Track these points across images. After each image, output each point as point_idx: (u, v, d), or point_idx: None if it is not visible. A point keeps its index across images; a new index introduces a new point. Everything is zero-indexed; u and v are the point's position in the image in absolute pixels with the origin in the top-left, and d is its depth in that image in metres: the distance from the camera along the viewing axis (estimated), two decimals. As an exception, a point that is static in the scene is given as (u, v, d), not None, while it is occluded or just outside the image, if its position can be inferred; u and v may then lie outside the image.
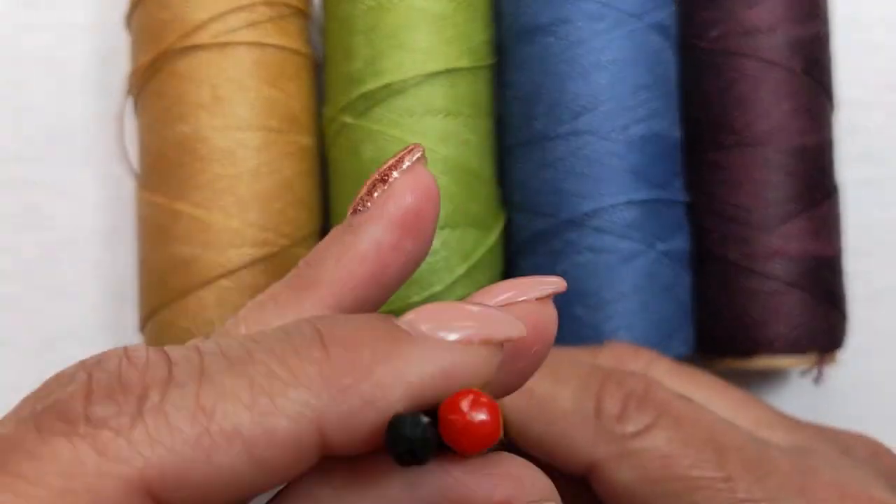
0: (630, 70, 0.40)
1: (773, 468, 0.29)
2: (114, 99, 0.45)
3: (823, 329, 0.41)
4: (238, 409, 0.18)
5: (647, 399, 0.30)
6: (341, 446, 0.19)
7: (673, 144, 0.41)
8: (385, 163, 0.23)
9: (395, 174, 0.23)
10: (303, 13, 0.42)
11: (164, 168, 0.40)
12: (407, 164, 0.23)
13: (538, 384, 0.31)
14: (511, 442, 0.31)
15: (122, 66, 0.44)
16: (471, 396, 0.18)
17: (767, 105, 0.41)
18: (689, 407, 0.31)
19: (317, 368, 0.18)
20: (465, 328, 0.20)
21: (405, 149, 0.24)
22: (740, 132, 0.41)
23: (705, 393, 0.33)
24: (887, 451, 0.33)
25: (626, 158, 0.39)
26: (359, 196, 0.23)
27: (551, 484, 0.20)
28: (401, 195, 0.23)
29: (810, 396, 0.46)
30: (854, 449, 0.32)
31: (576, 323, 0.39)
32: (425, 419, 0.18)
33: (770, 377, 0.46)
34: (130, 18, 0.41)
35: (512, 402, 0.31)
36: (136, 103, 0.42)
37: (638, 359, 0.34)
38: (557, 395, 0.31)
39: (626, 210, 0.39)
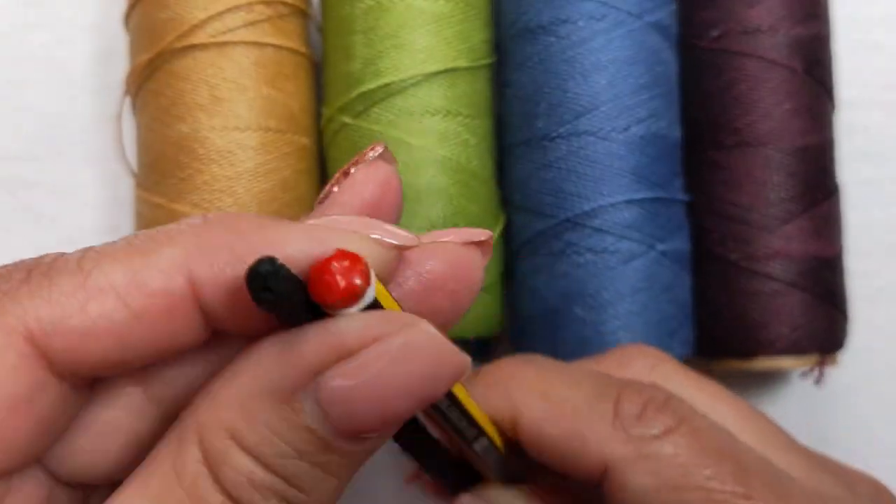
0: (630, 70, 0.39)
1: (791, 494, 0.28)
2: (113, 99, 0.45)
3: (824, 330, 0.41)
4: (114, 266, 0.20)
5: (668, 406, 0.30)
6: (217, 305, 0.20)
7: (673, 144, 0.41)
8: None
9: (354, 169, 0.24)
10: (301, 13, 0.42)
11: (162, 168, 0.40)
12: (369, 158, 0.24)
13: (553, 388, 0.31)
14: (524, 452, 0.31)
15: (121, 65, 0.44)
16: (338, 254, 0.19)
17: (768, 105, 0.41)
18: (708, 421, 0.30)
19: (193, 231, 0.20)
20: (352, 224, 0.21)
21: (370, 146, 0.24)
22: (741, 132, 0.41)
23: (709, 399, 0.32)
24: (890, 495, 0.32)
25: (626, 158, 0.39)
26: (324, 190, 0.24)
27: (427, 328, 0.20)
28: (361, 187, 0.23)
29: (811, 397, 0.46)
30: (858, 487, 0.31)
31: (576, 323, 0.39)
32: (281, 263, 0.18)
33: (770, 378, 0.46)
34: (129, 18, 0.41)
35: (526, 406, 0.30)
36: (134, 103, 0.42)
37: (645, 357, 0.33)
38: (573, 397, 0.30)
39: (625, 210, 0.39)
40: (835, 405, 0.46)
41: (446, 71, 0.40)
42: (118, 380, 0.22)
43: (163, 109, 0.40)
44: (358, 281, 0.19)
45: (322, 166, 0.43)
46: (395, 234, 0.22)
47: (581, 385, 0.31)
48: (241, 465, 0.20)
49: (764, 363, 0.41)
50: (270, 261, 0.18)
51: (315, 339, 0.19)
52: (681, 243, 0.41)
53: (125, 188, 0.45)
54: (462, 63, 0.40)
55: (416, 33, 0.39)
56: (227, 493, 0.20)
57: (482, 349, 0.42)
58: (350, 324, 0.19)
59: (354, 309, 0.19)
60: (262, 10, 0.40)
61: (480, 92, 0.41)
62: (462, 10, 0.40)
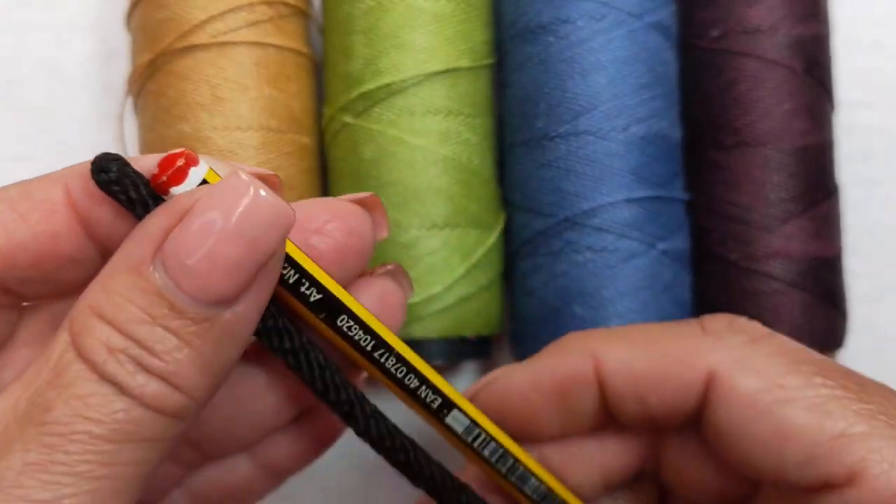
0: (630, 70, 0.40)
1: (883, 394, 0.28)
2: (114, 99, 0.46)
3: (823, 329, 0.41)
4: (8, 188, 0.24)
5: (749, 322, 0.29)
6: (89, 208, 0.23)
7: (673, 144, 0.41)
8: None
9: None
10: (302, 13, 0.42)
11: (163, 168, 0.40)
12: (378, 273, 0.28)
13: (630, 332, 0.30)
14: (614, 404, 0.30)
15: (122, 66, 0.44)
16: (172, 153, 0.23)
17: (768, 105, 0.41)
18: (784, 336, 0.30)
19: (71, 166, 0.25)
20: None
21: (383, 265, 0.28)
22: (741, 132, 0.41)
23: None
24: None
25: (626, 158, 0.39)
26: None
27: (244, 177, 0.22)
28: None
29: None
30: None
31: (576, 321, 0.39)
32: (118, 154, 0.23)
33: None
34: (130, 18, 0.42)
35: (609, 351, 0.29)
36: (135, 103, 0.42)
37: (735, 332, 0.31)
38: (654, 332, 0.30)
39: (625, 209, 0.39)
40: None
41: (447, 71, 0.40)
42: (37, 320, 0.26)
43: (164, 109, 0.40)
44: (181, 161, 0.22)
45: (323, 166, 0.43)
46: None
47: (658, 325, 0.31)
48: (100, 332, 0.21)
49: (764, 362, 0.41)
50: (109, 153, 0.22)
51: (156, 212, 0.22)
52: (681, 243, 0.41)
53: (126, 188, 0.45)
54: (463, 63, 0.40)
55: (417, 33, 0.39)
56: (86, 360, 0.21)
57: (482, 348, 0.42)
58: (181, 194, 0.22)
59: (183, 187, 0.22)
60: (263, 11, 0.40)
61: (481, 92, 0.41)
62: (463, 10, 0.40)
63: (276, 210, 0.22)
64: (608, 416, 0.30)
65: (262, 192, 0.21)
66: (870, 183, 0.47)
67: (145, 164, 0.23)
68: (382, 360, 0.27)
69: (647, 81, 0.40)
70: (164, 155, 0.23)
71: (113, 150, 0.45)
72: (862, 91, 0.48)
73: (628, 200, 0.39)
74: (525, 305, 0.41)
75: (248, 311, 0.23)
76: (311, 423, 0.29)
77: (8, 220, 0.23)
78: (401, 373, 0.27)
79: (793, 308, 0.40)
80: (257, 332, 0.25)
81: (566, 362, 0.30)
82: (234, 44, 0.40)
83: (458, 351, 0.40)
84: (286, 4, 0.41)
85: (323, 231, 0.26)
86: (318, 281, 0.25)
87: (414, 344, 0.39)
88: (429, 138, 0.40)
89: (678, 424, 0.30)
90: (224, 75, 0.39)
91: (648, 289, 0.39)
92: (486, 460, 0.29)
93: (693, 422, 0.29)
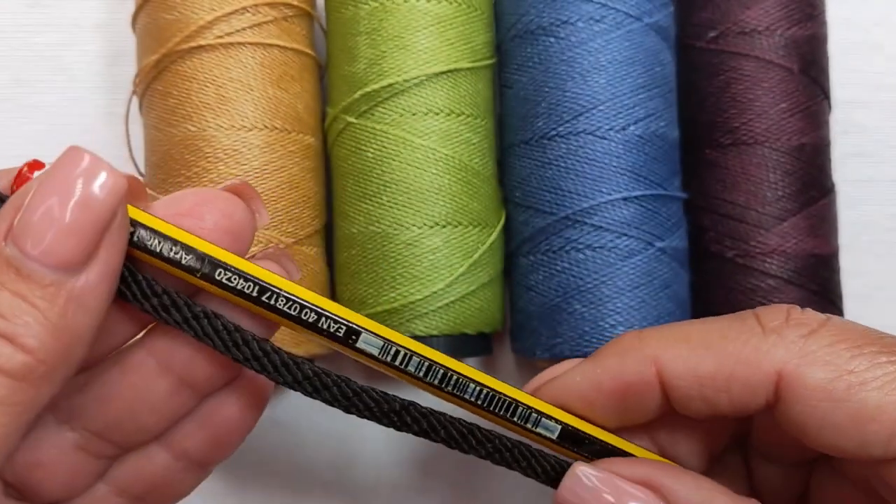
0: (629, 70, 0.40)
1: None
2: (120, 99, 0.46)
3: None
4: None
5: (805, 311, 0.29)
6: None
7: (671, 144, 0.42)
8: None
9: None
10: (306, 14, 0.42)
11: (169, 167, 0.40)
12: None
13: (689, 332, 0.30)
14: (678, 405, 0.30)
15: (128, 66, 0.44)
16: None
17: (764, 104, 0.41)
18: (841, 318, 0.30)
19: None
20: None
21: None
22: (738, 131, 0.41)
23: None
24: None
25: (625, 157, 0.40)
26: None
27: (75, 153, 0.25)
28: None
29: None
30: None
31: (575, 318, 0.40)
32: None
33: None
34: (136, 20, 0.42)
35: (670, 354, 0.29)
36: (141, 103, 0.42)
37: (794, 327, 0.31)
38: (712, 331, 0.30)
39: (624, 207, 0.40)
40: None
41: (449, 71, 0.40)
42: None
43: (170, 109, 0.40)
44: (25, 168, 0.26)
45: (327, 165, 0.43)
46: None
47: (713, 323, 0.30)
48: None
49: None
50: None
51: (9, 199, 0.24)
52: (679, 241, 0.41)
53: (132, 187, 0.46)
54: (464, 64, 0.41)
55: (420, 34, 0.40)
56: None
57: (483, 345, 0.42)
58: (30, 181, 0.25)
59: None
60: (267, 12, 0.40)
61: (482, 92, 0.42)
62: (464, 12, 0.41)
63: (109, 176, 0.24)
64: (671, 410, 0.31)
65: (97, 161, 0.24)
66: (863, 182, 0.48)
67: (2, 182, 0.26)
68: (273, 302, 0.27)
69: (646, 82, 0.40)
70: (16, 171, 0.26)
71: (119, 149, 0.46)
72: (857, 91, 0.48)
73: (627, 199, 0.40)
74: (525, 302, 0.42)
75: (97, 278, 0.24)
76: (218, 412, 0.29)
77: None
78: (294, 310, 0.28)
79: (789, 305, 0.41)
80: (154, 311, 0.26)
81: (627, 367, 0.30)
82: (239, 45, 0.40)
83: (459, 348, 0.41)
84: (290, 6, 0.41)
85: (194, 214, 0.27)
86: (186, 244, 0.26)
87: (415, 341, 0.39)
88: (430, 138, 0.40)
89: (748, 417, 0.30)
90: (229, 76, 0.40)
91: (647, 286, 0.40)
92: (413, 376, 0.29)
93: (764, 412, 0.29)
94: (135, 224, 0.26)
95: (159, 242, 0.26)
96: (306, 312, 0.28)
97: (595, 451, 0.31)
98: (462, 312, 0.40)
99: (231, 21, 0.40)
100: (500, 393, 0.30)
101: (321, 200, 0.43)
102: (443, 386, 0.30)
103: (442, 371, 0.30)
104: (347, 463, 0.45)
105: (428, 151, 0.40)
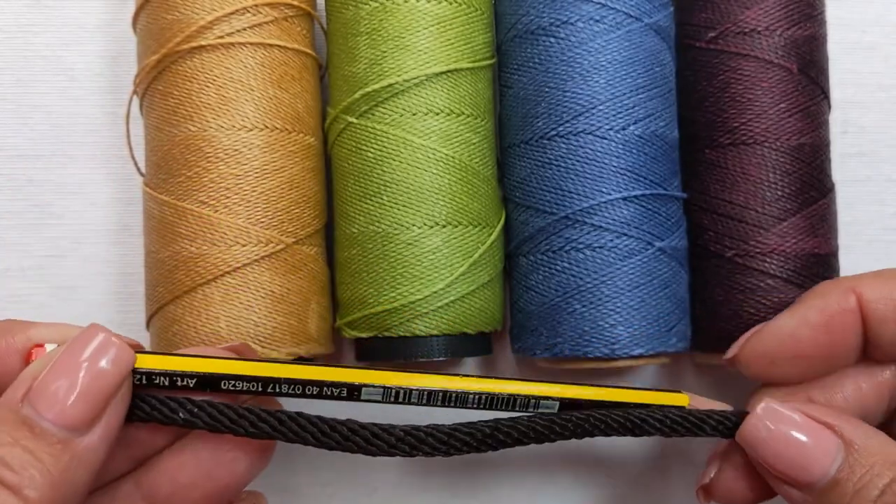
0: (628, 70, 0.40)
1: None
2: (121, 99, 0.46)
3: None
4: None
5: None
6: None
7: (671, 144, 0.42)
8: None
9: None
10: (307, 15, 0.43)
11: (170, 167, 0.40)
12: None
13: (885, 272, 0.35)
14: (875, 333, 0.35)
15: (129, 66, 0.44)
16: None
17: (764, 104, 0.41)
18: None
19: None
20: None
21: None
22: (737, 131, 0.42)
23: None
24: None
25: (624, 157, 0.40)
26: None
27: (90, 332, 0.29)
28: None
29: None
30: None
31: (575, 318, 0.40)
32: None
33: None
34: (137, 20, 0.42)
35: (871, 288, 0.34)
36: (142, 103, 0.42)
37: None
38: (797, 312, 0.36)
39: (623, 207, 0.40)
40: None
41: (449, 71, 0.40)
42: None
43: (170, 109, 0.40)
44: (32, 350, 0.31)
45: (328, 165, 0.43)
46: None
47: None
48: None
49: (760, 358, 0.41)
50: None
51: (30, 365, 0.29)
52: (678, 240, 0.41)
53: (133, 187, 0.46)
54: (464, 64, 0.41)
55: (420, 35, 0.40)
56: None
57: (483, 344, 0.42)
58: (53, 349, 0.30)
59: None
60: (267, 12, 0.40)
61: (482, 92, 0.42)
62: (464, 13, 0.41)
63: (119, 352, 0.29)
64: (865, 358, 0.35)
65: (111, 338, 0.29)
66: (863, 182, 0.48)
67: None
68: (277, 390, 0.32)
69: (645, 82, 0.40)
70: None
71: (120, 149, 0.46)
72: (857, 91, 0.48)
73: (626, 199, 0.40)
74: (525, 302, 0.42)
75: (99, 439, 0.28)
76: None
77: None
78: (297, 390, 0.32)
79: (788, 304, 0.41)
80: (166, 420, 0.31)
81: (831, 299, 0.35)
82: (240, 45, 0.40)
83: (459, 347, 0.41)
84: (291, 6, 0.41)
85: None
86: (184, 373, 0.31)
87: (416, 340, 0.40)
88: (431, 138, 0.40)
89: None
90: (230, 76, 0.40)
91: (646, 285, 0.40)
92: (420, 404, 0.33)
93: None
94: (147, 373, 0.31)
95: (173, 379, 0.31)
96: (309, 388, 0.32)
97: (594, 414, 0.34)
98: (462, 312, 0.40)
99: (231, 21, 0.40)
100: (497, 393, 0.33)
101: (321, 200, 0.43)
102: (447, 404, 0.33)
103: (441, 394, 0.33)
104: (348, 463, 0.45)
105: (428, 151, 0.40)
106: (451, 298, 0.40)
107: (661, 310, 0.40)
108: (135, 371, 0.30)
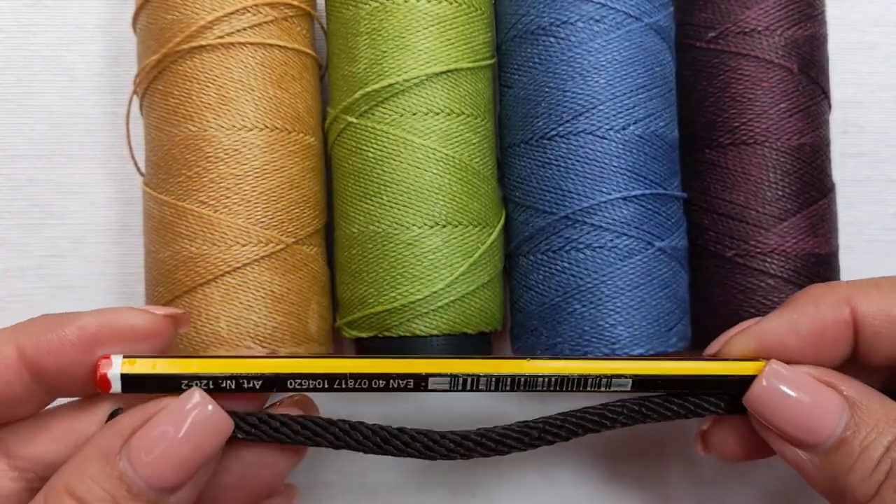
0: (628, 70, 0.40)
1: None
2: (121, 99, 0.46)
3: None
4: None
5: None
6: (41, 364, 0.30)
7: (670, 143, 0.42)
8: None
9: None
10: (307, 14, 0.43)
11: (170, 167, 0.40)
12: None
13: (878, 279, 0.34)
14: (866, 347, 0.34)
15: (129, 66, 0.44)
16: (98, 359, 0.31)
17: (764, 104, 0.41)
18: None
19: (22, 322, 0.32)
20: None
21: None
22: (737, 131, 0.42)
23: None
24: None
25: (624, 157, 0.40)
26: None
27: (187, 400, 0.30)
28: None
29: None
30: None
31: (575, 318, 0.40)
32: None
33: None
34: (137, 20, 0.42)
35: (866, 301, 0.33)
36: (142, 103, 0.42)
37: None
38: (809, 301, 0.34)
39: (623, 207, 0.40)
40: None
41: (449, 71, 0.40)
42: None
43: (171, 109, 0.40)
44: (104, 372, 0.31)
45: (328, 165, 0.43)
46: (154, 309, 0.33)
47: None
48: None
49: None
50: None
51: (127, 414, 0.30)
52: (678, 240, 0.41)
53: (133, 187, 0.46)
54: (464, 64, 0.41)
55: (420, 35, 0.40)
56: None
57: (483, 344, 0.42)
58: (150, 402, 0.30)
59: (113, 389, 0.31)
60: (267, 12, 0.40)
61: (482, 92, 0.42)
62: (464, 12, 0.41)
63: (217, 421, 0.30)
64: (852, 360, 0.34)
65: (209, 408, 0.30)
66: (863, 181, 0.48)
67: (89, 325, 0.31)
68: (344, 385, 0.32)
69: (645, 82, 0.40)
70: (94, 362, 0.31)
71: (120, 149, 0.46)
72: (857, 91, 0.48)
73: (626, 199, 0.40)
74: (525, 302, 0.42)
75: (188, 497, 0.30)
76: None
77: None
78: (364, 384, 0.32)
79: (788, 304, 0.41)
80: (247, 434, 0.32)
81: (824, 309, 0.33)
82: (240, 45, 0.40)
83: (459, 347, 0.41)
84: (291, 6, 0.41)
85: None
86: (251, 375, 0.32)
87: (416, 340, 0.40)
88: (431, 138, 0.40)
89: None
90: (230, 76, 0.40)
91: (646, 286, 0.40)
92: (487, 390, 0.33)
93: None
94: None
95: (240, 381, 0.32)
96: (375, 382, 0.32)
97: (669, 388, 0.34)
98: (462, 312, 0.40)
99: (231, 21, 0.40)
100: (566, 375, 0.33)
101: (321, 200, 0.43)
102: (516, 388, 0.33)
103: (510, 379, 0.33)
104: (348, 463, 0.45)
105: (428, 151, 0.40)
106: (451, 298, 0.40)
107: (661, 310, 0.40)
108: (201, 378, 0.31)
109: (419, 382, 0.32)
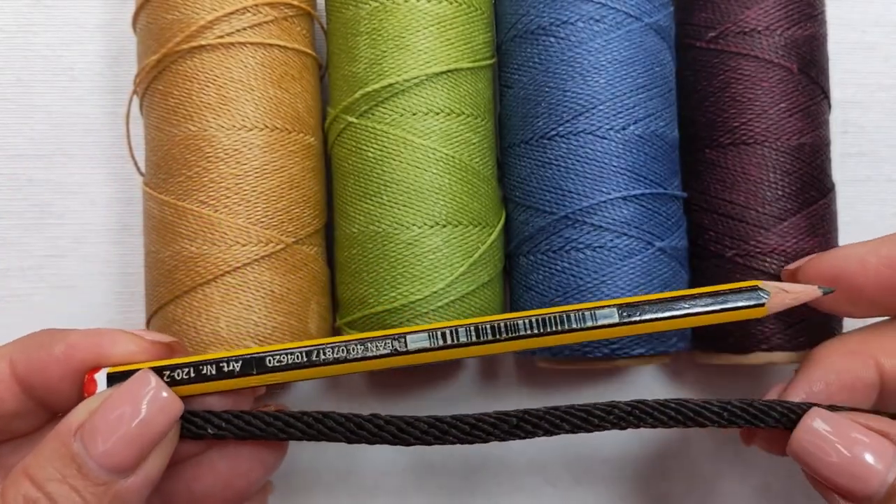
0: (629, 70, 0.40)
1: None
2: (121, 99, 0.46)
3: (819, 324, 0.41)
4: None
5: None
6: (29, 379, 0.31)
7: (670, 143, 0.42)
8: None
9: None
10: (307, 14, 0.43)
11: (170, 166, 0.40)
12: None
13: (849, 248, 0.35)
14: None
15: (129, 66, 0.44)
16: (90, 370, 0.32)
17: (764, 104, 0.41)
18: None
19: (16, 340, 0.33)
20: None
21: None
22: (737, 131, 0.42)
23: None
24: None
25: (624, 157, 0.40)
26: None
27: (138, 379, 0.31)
28: None
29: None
30: None
31: (575, 318, 0.40)
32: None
33: (766, 373, 0.46)
34: (137, 20, 0.42)
35: (825, 261, 0.35)
36: (142, 103, 0.42)
37: None
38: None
39: (623, 207, 0.40)
40: (830, 400, 0.46)
41: (449, 71, 0.40)
42: None
43: (170, 109, 0.40)
44: (93, 382, 0.32)
45: (328, 164, 0.43)
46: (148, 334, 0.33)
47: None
48: (22, 486, 0.29)
49: (759, 358, 0.41)
50: None
51: (85, 401, 0.30)
52: (678, 240, 0.41)
53: (133, 187, 0.46)
54: (464, 64, 0.41)
55: (420, 35, 0.40)
56: None
57: (483, 344, 0.42)
58: (104, 390, 0.31)
59: (99, 388, 0.32)
60: (268, 12, 0.40)
61: (482, 92, 0.42)
62: (464, 12, 0.41)
63: (168, 401, 0.30)
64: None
65: (162, 391, 0.30)
66: (862, 181, 0.48)
67: (80, 344, 0.32)
68: (322, 356, 0.32)
69: (645, 82, 0.40)
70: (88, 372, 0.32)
71: (120, 149, 0.46)
72: (857, 91, 0.48)
73: (626, 198, 0.40)
74: (525, 302, 0.42)
75: (141, 482, 0.30)
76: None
77: None
78: (342, 352, 0.32)
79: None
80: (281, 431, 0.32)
81: (852, 366, 0.33)
82: (240, 45, 0.40)
83: (459, 347, 0.41)
84: (291, 6, 0.41)
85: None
86: (230, 357, 0.32)
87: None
88: (431, 138, 0.40)
89: None
90: (230, 75, 0.40)
91: (646, 285, 0.40)
92: (469, 344, 0.32)
93: None
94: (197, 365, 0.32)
95: (220, 365, 0.32)
96: (353, 348, 0.32)
97: (655, 313, 0.33)
98: (462, 312, 0.40)
99: (231, 21, 0.40)
100: (548, 315, 0.32)
101: (321, 200, 0.43)
102: (497, 336, 0.32)
103: (490, 326, 0.32)
104: (348, 464, 0.45)
105: (428, 151, 0.40)
106: (451, 298, 0.40)
107: (661, 310, 0.40)
108: (183, 366, 0.32)
109: (398, 341, 0.32)
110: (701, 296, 0.33)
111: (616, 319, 0.33)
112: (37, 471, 0.29)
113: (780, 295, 0.34)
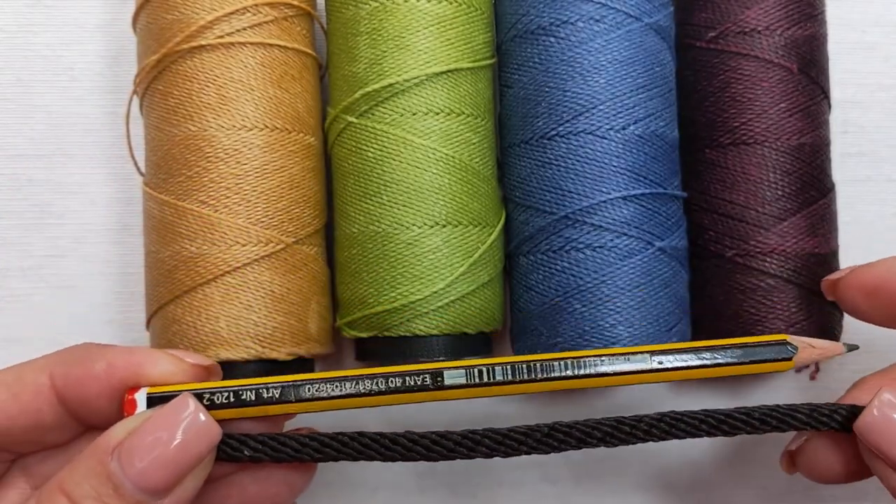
0: (629, 70, 0.40)
1: None
2: (121, 99, 0.46)
3: (819, 325, 0.41)
4: (4, 371, 0.32)
5: None
6: (68, 394, 0.32)
7: (670, 143, 0.42)
8: None
9: None
10: (307, 14, 0.43)
11: (170, 166, 0.40)
12: None
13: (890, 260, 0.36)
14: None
15: (129, 66, 0.44)
16: (129, 390, 0.32)
17: (764, 104, 0.41)
18: None
19: (55, 352, 0.33)
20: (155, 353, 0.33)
21: None
22: (737, 131, 0.42)
23: None
24: None
25: (624, 157, 0.40)
26: None
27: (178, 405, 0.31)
28: None
29: (806, 392, 0.46)
30: None
31: (575, 317, 0.40)
32: None
33: (766, 373, 0.46)
34: (137, 20, 0.42)
35: (866, 273, 0.35)
36: (142, 103, 0.42)
37: None
38: None
39: (623, 207, 0.40)
40: (830, 399, 0.46)
41: (449, 71, 0.40)
42: (26, 465, 0.33)
43: (170, 109, 0.40)
44: (133, 402, 0.32)
45: (328, 164, 0.43)
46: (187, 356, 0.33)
47: None
48: (56, 502, 0.29)
49: (760, 359, 0.41)
50: None
51: (124, 420, 0.31)
52: (678, 240, 0.41)
53: (133, 187, 0.46)
54: (464, 64, 0.41)
55: (420, 35, 0.40)
56: None
57: (483, 344, 0.42)
58: (144, 411, 0.31)
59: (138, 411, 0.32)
60: (267, 12, 0.40)
61: (482, 92, 0.42)
62: (464, 12, 0.41)
63: (206, 427, 0.30)
64: None
65: (200, 415, 0.30)
66: (862, 181, 0.48)
67: (118, 363, 0.32)
68: (368, 388, 0.33)
69: (645, 82, 0.40)
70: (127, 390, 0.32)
71: (120, 149, 0.46)
72: (857, 91, 0.48)
73: (626, 198, 0.40)
74: (525, 302, 0.42)
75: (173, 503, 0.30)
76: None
77: (4, 399, 0.31)
78: (381, 384, 0.33)
79: (788, 304, 0.41)
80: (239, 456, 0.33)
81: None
82: (240, 44, 0.40)
83: (459, 347, 0.41)
84: (291, 6, 0.41)
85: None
86: (269, 384, 0.32)
87: (416, 340, 0.40)
88: (431, 138, 0.40)
89: None
90: (230, 75, 0.40)
91: (646, 285, 0.40)
92: (505, 383, 0.33)
93: None
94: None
95: (259, 391, 0.32)
96: (392, 380, 0.32)
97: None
98: (462, 312, 0.40)
99: (231, 21, 0.40)
100: (583, 357, 0.33)
101: (321, 200, 0.43)
102: (532, 376, 0.33)
103: (525, 366, 0.33)
104: (349, 463, 0.45)
105: (428, 151, 0.40)
106: (451, 298, 0.40)
107: (661, 310, 0.40)
108: (220, 391, 0.32)
109: (436, 378, 0.32)
110: (730, 347, 0.34)
111: (648, 365, 0.33)
112: (73, 487, 0.29)
113: (808, 350, 0.35)
